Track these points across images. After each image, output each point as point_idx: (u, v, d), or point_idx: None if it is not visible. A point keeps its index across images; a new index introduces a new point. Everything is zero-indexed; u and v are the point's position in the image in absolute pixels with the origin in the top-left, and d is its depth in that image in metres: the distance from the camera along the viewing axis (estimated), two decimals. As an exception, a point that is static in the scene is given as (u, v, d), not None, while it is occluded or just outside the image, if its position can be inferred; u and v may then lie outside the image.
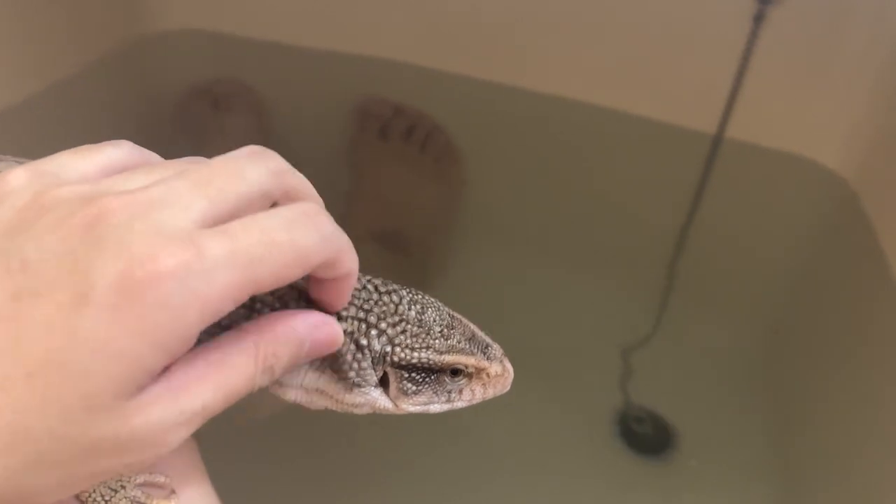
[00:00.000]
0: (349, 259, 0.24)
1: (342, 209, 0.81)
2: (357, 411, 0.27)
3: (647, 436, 0.69)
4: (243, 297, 0.21)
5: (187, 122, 0.85)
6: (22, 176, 0.22)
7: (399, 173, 0.81)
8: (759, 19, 0.67)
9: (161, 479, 0.25)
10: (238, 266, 0.20)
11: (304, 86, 0.87)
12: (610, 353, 0.74)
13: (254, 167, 0.22)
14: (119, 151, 0.24)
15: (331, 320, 0.24)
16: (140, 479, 0.24)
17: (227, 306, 0.20)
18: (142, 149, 0.25)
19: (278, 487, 0.59)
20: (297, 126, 0.87)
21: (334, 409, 0.27)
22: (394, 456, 0.63)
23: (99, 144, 0.24)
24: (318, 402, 0.27)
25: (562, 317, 0.78)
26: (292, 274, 0.22)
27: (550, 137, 0.82)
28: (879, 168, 0.71)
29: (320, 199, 0.25)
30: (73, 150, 0.24)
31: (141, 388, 0.20)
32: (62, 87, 0.76)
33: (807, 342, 0.75)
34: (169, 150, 0.88)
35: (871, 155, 0.72)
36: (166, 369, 0.21)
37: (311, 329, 0.24)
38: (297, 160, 0.89)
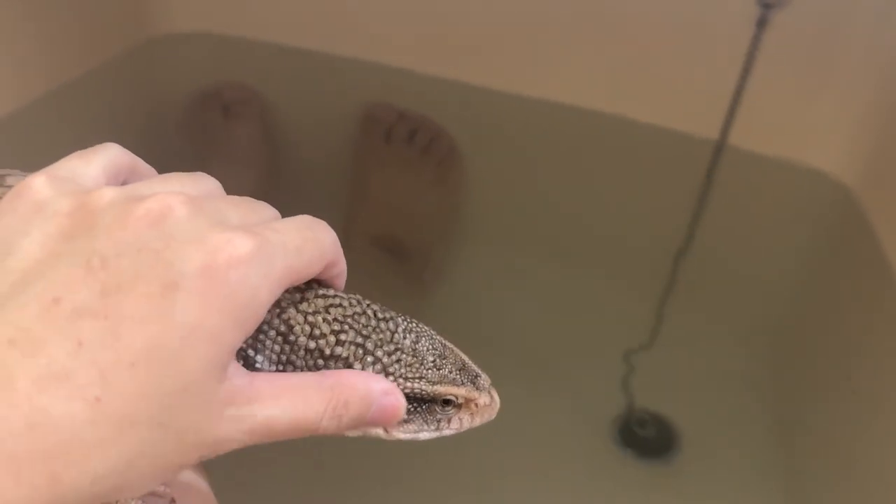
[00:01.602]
0: (342, 258, 0.27)
1: (346, 213, 0.82)
2: (348, 433, 0.27)
3: (649, 439, 0.69)
4: (288, 283, 0.23)
5: (194, 127, 0.85)
6: (45, 183, 0.23)
7: (402, 178, 0.81)
8: (761, 24, 0.67)
9: (160, 487, 0.25)
10: (289, 253, 0.23)
11: (310, 90, 0.87)
12: (612, 357, 0.74)
13: (261, 207, 0.25)
14: (111, 152, 0.26)
15: (399, 392, 0.26)
16: None
17: (280, 290, 0.23)
18: (127, 151, 0.26)
19: (274, 486, 0.59)
20: (303, 130, 0.87)
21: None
22: (391, 458, 0.63)
23: (91, 149, 0.25)
24: None
25: (564, 321, 0.79)
26: (316, 268, 0.25)
27: (553, 144, 0.83)
28: (882, 175, 0.71)
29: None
30: (72, 155, 0.25)
31: (223, 368, 0.21)
32: (68, 90, 0.77)
33: (810, 346, 0.74)
34: (175, 154, 0.88)
35: (874, 162, 0.72)
36: (251, 375, 0.23)
37: (382, 394, 0.25)
38: (301, 164, 0.89)
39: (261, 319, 0.23)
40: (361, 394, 0.25)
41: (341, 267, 0.27)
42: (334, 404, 0.24)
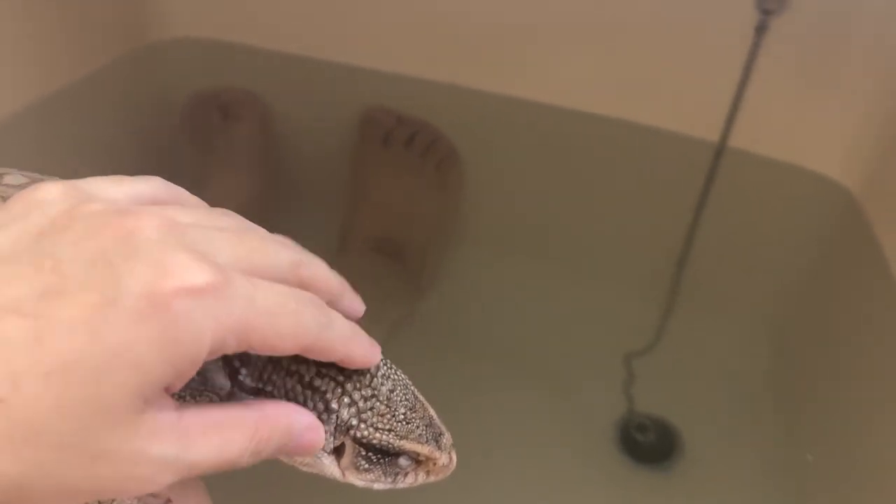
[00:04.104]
0: (342, 349, 0.24)
1: (344, 216, 0.82)
2: (303, 468, 0.27)
3: (650, 444, 0.69)
4: (244, 343, 0.21)
5: (194, 130, 0.85)
6: (55, 189, 0.22)
7: (401, 182, 0.81)
8: (761, 29, 0.67)
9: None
10: (253, 310, 0.21)
11: (309, 96, 0.88)
12: (612, 361, 0.74)
13: (278, 253, 0.23)
14: (150, 186, 0.24)
15: (320, 428, 0.25)
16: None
17: (232, 344, 0.21)
18: (173, 185, 0.25)
19: (270, 489, 0.59)
20: (302, 135, 0.88)
21: (281, 459, 0.27)
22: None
23: (133, 177, 0.24)
24: None
25: (564, 324, 0.78)
26: (285, 345, 0.22)
27: (552, 147, 0.83)
28: (882, 178, 0.71)
29: (338, 280, 0.26)
30: (107, 176, 0.24)
31: (146, 401, 0.20)
32: (68, 93, 0.77)
33: (811, 350, 0.74)
34: (174, 157, 0.88)
35: (874, 164, 0.72)
36: (180, 410, 0.21)
37: (303, 430, 0.24)
38: (300, 167, 0.89)
39: (198, 365, 0.20)
40: (283, 429, 0.24)
41: (337, 357, 0.24)
42: (256, 440, 0.23)
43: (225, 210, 0.25)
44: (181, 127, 0.85)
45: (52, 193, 0.22)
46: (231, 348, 0.21)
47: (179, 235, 0.21)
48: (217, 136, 0.83)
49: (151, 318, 0.19)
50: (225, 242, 0.22)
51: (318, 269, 0.25)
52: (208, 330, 0.20)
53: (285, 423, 0.24)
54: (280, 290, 0.22)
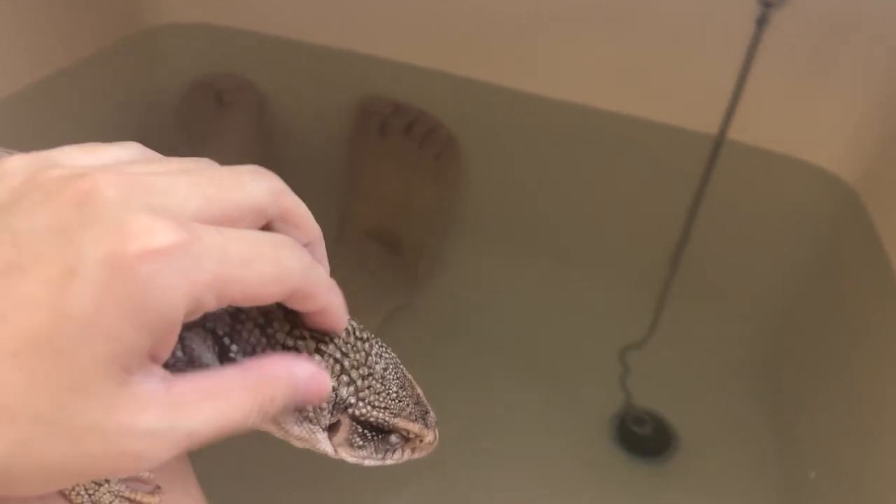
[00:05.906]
0: (325, 295, 0.24)
1: (340, 206, 0.81)
2: (296, 444, 0.27)
3: (646, 437, 0.69)
4: (224, 298, 0.20)
5: (189, 117, 0.85)
6: (20, 160, 0.21)
7: (398, 172, 0.81)
8: (761, 22, 0.67)
9: (146, 473, 0.24)
10: (226, 262, 0.20)
11: (306, 82, 0.87)
12: (608, 354, 0.74)
13: (254, 182, 0.23)
14: (126, 151, 0.23)
15: (325, 372, 0.24)
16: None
17: (210, 301, 0.20)
18: (152, 151, 0.24)
19: (267, 489, 0.59)
20: (298, 122, 0.87)
21: (274, 434, 0.27)
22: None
23: (107, 143, 0.23)
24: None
25: (560, 317, 0.78)
26: (268, 292, 0.22)
27: (551, 139, 0.82)
28: (882, 171, 0.71)
29: (317, 226, 0.25)
30: (79, 144, 0.23)
31: (127, 371, 0.19)
32: (63, 78, 0.76)
33: (809, 344, 0.74)
34: (169, 143, 0.87)
35: (874, 158, 0.71)
36: (169, 381, 0.21)
37: (308, 379, 0.23)
38: (296, 155, 0.89)
39: (177, 328, 0.20)
40: (286, 384, 0.23)
41: (320, 304, 0.24)
42: (260, 401, 0.22)
43: (196, 158, 0.24)
44: (176, 114, 0.85)
45: (15, 164, 0.21)
46: (211, 305, 0.20)
47: (140, 192, 0.20)
48: (212, 123, 0.83)
49: (116, 286, 0.18)
50: (193, 187, 0.21)
51: (299, 202, 0.24)
52: (179, 291, 0.19)
53: (287, 378, 0.23)
54: (253, 236, 0.21)
